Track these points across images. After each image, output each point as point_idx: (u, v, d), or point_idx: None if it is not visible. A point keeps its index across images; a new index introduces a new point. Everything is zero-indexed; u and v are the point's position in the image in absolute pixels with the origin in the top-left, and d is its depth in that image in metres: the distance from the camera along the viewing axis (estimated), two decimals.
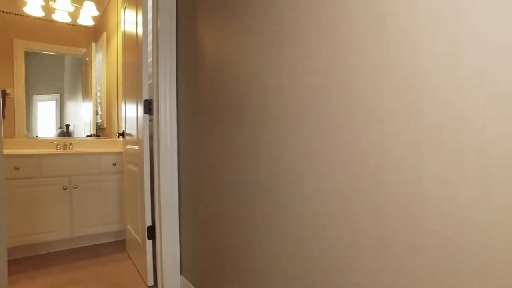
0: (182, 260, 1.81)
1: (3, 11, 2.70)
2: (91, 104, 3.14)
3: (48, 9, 2.89)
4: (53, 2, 2.89)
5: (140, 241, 2.03)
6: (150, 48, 1.98)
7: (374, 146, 0.71)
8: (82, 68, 3.11)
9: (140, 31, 1.87)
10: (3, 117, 2.73)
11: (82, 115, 3.12)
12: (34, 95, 2.91)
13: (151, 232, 1.87)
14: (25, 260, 2.32)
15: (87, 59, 3.11)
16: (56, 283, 1.96)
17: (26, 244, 2.34)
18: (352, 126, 0.76)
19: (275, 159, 1.02)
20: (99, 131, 3.19)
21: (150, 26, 2.06)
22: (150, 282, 1.90)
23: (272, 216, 1.05)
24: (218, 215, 1.40)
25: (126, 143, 2.35)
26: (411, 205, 0.64)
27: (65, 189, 2.44)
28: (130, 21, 2.19)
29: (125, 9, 2.32)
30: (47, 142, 2.88)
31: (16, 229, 2.28)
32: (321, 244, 0.86)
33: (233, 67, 1.25)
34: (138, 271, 2.11)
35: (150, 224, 1.88)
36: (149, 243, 1.88)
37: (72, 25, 3.02)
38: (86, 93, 3.13)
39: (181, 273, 1.82)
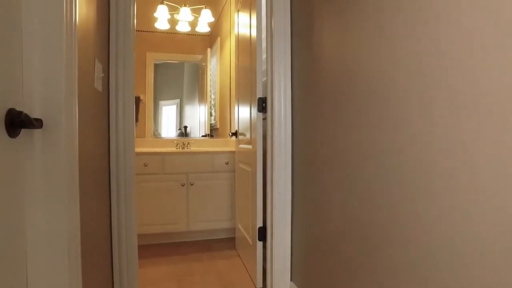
0: (292, 265, 1.72)
1: (140, 30, 3.14)
2: (206, 106, 3.35)
3: (172, 21, 3.20)
4: (176, 14, 3.18)
5: (250, 241, 2.02)
6: (263, 45, 1.96)
7: None
8: (199, 73, 3.35)
9: (254, 28, 1.87)
10: (136, 120, 3.12)
11: (198, 117, 3.35)
12: (160, 101, 3.25)
13: (262, 234, 1.83)
14: (150, 247, 2.57)
15: (203, 64, 3.34)
16: (175, 272, 2.09)
17: (151, 233, 2.59)
18: None
19: (407, 160, 0.83)
20: (213, 131, 3.38)
21: (263, 24, 2.05)
22: (259, 284, 1.86)
23: (405, 223, 0.85)
24: (333, 220, 1.26)
25: (238, 142, 2.40)
26: None
27: (183, 185, 2.62)
28: (243, 23, 2.22)
29: (238, 11, 2.38)
30: (168, 141, 3.18)
31: (143, 218, 2.54)
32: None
33: (357, 63, 1.10)
34: (247, 270, 2.11)
35: (261, 225, 1.84)
36: (259, 244, 1.84)
37: (191, 34, 3.29)
38: (202, 97, 3.36)
39: (291, 279, 1.74)
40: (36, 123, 0.72)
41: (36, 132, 0.78)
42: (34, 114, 0.78)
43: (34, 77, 0.77)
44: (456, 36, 0.73)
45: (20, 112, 0.67)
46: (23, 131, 0.73)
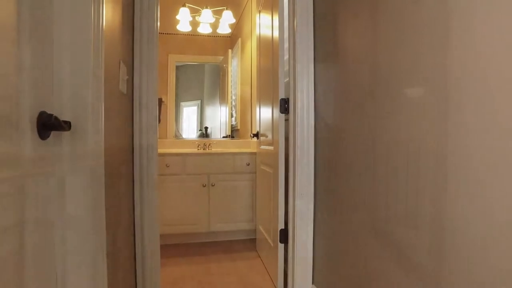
0: (314, 268, 1.70)
1: (162, 33, 3.19)
2: (227, 107, 3.36)
3: (194, 23, 3.23)
4: (198, 16, 3.21)
5: (271, 243, 2.01)
6: (286, 45, 1.95)
7: None
8: (220, 74, 3.37)
9: (276, 29, 1.85)
10: (158, 121, 3.16)
11: (219, 118, 3.37)
12: (181, 102, 3.29)
13: (284, 236, 1.81)
14: (170, 247, 2.60)
15: (224, 65, 3.35)
16: (195, 272, 2.11)
17: (172, 233, 2.62)
18: None
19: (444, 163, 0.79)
20: (234, 132, 3.39)
21: (286, 23, 2.03)
22: (280, 287, 1.84)
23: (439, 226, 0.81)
24: (356, 223, 1.22)
25: (260, 143, 2.39)
26: None
27: (204, 186, 2.64)
28: (264, 24, 2.21)
29: (259, 12, 2.37)
30: (190, 142, 3.21)
31: (164, 219, 2.57)
32: None
33: (384, 64, 1.06)
34: (268, 272, 2.09)
35: (283, 227, 1.82)
36: (281, 246, 1.83)
37: (212, 36, 3.31)
38: (223, 98, 3.37)
39: (313, 282, 1.71)
40: (65, 126, 0.74)
41: (65, 134, 0.80)
42: (63, 116, 0.79)
43: (64, 81, 0.79)
44: (491, 35, 0.69)
45: (51, 115, 0.69)
46: (52, 133, 0.74)
